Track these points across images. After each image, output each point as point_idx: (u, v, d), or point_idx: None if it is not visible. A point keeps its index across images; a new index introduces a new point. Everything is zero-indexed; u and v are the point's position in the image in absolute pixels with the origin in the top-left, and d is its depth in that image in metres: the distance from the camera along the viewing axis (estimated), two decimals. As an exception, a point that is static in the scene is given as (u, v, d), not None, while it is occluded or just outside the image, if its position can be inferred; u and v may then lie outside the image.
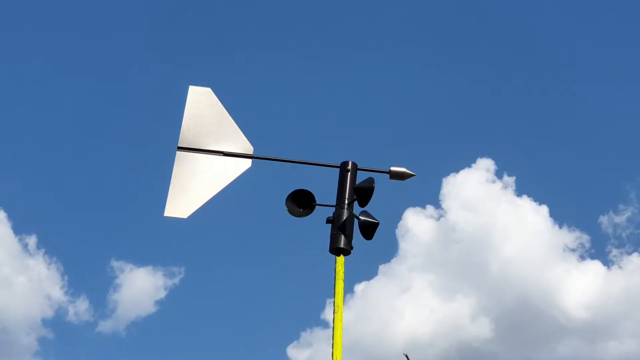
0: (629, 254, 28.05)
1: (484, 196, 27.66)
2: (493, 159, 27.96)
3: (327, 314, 27.18)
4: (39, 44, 32.34)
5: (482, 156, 28.16)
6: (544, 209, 27.53)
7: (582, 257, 27.74)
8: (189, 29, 32.83)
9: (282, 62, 32.50)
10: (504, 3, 33.61)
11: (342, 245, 7.61)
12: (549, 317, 26.10)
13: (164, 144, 32.15)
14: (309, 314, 29.05)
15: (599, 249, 29.39)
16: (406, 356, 9.87)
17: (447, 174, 28.14)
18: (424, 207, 28.06)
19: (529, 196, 27.75)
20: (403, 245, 27.82)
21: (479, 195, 27.55)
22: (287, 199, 7.96)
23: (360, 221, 7.75)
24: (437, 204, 27.90)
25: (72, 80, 32.50)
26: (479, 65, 32.61)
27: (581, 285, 26.69)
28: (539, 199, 27.79)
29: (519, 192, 27.94)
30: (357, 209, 7.86)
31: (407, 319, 26.56)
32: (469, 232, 26.98)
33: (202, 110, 8.35)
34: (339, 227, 7.67)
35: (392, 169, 8.08)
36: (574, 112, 32.35)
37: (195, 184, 8.07)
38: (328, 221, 7.77)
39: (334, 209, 7.80)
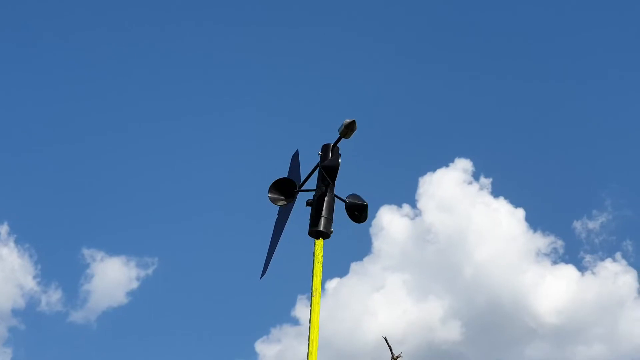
0: (602, 260, 28.10)
1: (461, 197, 27.62)
2: (471, 159, 27.92)
3: (298, 311, 27.06)
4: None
5: (460, 156, 28.12)
6: (520, 212, 27.53)
7: (555, 262, 27.78)
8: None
9: (256, 59, 32.40)
10: (485, 7, 33.64)
11: (321, 228, 7.49)
12: (520, 322, 26.10)
13: (121, 141, 31.96)
14: (279, 310, 28.94)
15: (572, 254, 29.47)
16: (385, 339, 9.80)
17: (424, 172, 28.08)
18: (399, 205, 27.97)
19: (505, 198, 27.74)
20: (377, 243, 27.72)
21: (455, 196, 27.51)
22: (269, 189, 7.86)
23: (347, 204, 7.65)
24: (412, 203, 27.82)
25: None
26: (462, 65, 32.63)
27: (554, 290, 26.71)
28: (515, 202, 27.80)
29: (496, 194, 27.94)
30: (344, 192, 7.78)
31: (379, 317, 26.48)
32: (444, 233, 26.92)
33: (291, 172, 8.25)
34: (319, 209, 7.56)
35: (340, 132, 7.74)
36: (553, 117, 32.43)
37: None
38: (308, 204, 7.65)
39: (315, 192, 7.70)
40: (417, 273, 27.19)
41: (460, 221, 27.21)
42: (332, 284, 27.77)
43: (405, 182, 29.68)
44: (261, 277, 8.09)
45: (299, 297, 27.58)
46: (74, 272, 28.88)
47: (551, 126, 32.32)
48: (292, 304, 28.23)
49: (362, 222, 7.72)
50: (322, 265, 7.45)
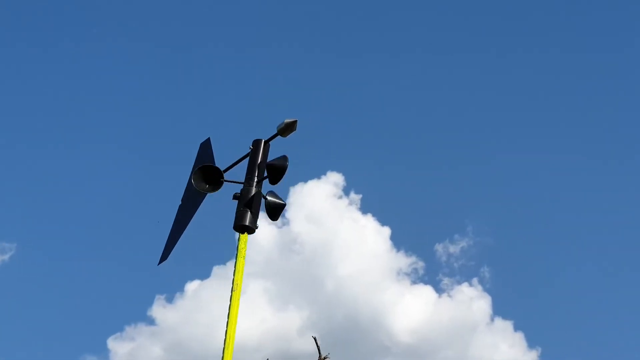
0: (459, 283, 28.64)
1: (329, 210, 27.78)
2: (343, 174, 28.12)
3: (155, 311, 26.73)
4: None
5: (332, 170, 28.28)
6: (386, 231, 27.85)
7: (414, 282, 28.18)
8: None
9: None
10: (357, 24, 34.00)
11: (247, 222, 7.47)
12: (375, 339, 26.37)
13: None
14: (135, 309, 28.54)
15: (431, 276, 29.96)
16: (314, 339, 9.73)
17: (295, 182, 28.12)
18: (267, 212, 27.83)
19: (373, 216, 28.02)
20: (241, 249, 27.56)
21: (324, 208, 27.64)
22: (194, 174, 7.76)
23: (267, 201, 7.63)
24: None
25: None
26: (344, 80, 32.86)
27: (411, 310, 27.08)
28: (382, 220, 28.11)
29: (364, 211, 28.18)
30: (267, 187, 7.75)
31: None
32: (310, 245, 27.03)
33: (202, 159, 8.19)
34: (246, 204, 7.52)
35: (278, 129, 7.86)
36: (425, 140, 32.95)
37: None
38: (235, 197, 7.61)
39: (242, 186, 7.65)
40: (279, 282, 27.23)
41: (327, 234, 27.39)
42: (192, 285, 27.54)
43: (275, 190, 29.61)
44: (159, 263, 8.00)
45: (157, 297, 27.25)
46: None
47: (423, 149, 32.86)
48: (149, 303, 27.87)
49: (274, 220, 7.71)
50: (244, 261, 7.39)
